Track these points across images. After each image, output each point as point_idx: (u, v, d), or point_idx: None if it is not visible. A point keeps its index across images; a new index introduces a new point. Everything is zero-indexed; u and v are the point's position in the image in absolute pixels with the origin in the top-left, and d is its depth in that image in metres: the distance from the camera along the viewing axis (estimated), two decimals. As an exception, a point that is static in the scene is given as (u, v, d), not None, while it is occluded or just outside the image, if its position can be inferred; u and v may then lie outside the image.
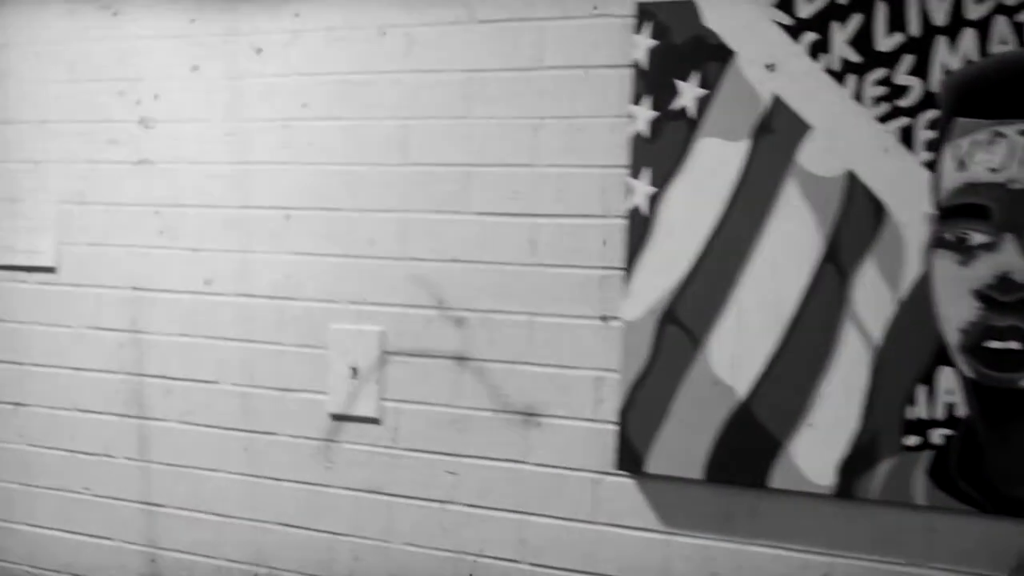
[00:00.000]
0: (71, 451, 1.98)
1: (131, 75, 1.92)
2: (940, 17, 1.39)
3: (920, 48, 1.40)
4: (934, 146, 1.39)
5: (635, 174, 1.55)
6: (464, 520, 1.68)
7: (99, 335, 1.96)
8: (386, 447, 1.73)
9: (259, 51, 1.82)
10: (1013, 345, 1.35)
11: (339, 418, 1.77)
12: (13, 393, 2.03)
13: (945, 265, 1.39)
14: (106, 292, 1.95)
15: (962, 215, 1.38)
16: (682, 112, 1.52)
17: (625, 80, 1.56)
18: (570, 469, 1.62)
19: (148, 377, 1.91)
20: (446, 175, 1.69)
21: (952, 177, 1.38)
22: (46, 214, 2.00)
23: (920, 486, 1.40)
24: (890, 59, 1.41)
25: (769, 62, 1.48)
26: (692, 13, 1.51)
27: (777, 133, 1.47)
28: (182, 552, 1.88)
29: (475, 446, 1.67)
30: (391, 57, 1.73)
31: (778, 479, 1.48)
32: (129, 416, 1.93)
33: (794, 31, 1.46)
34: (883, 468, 1.42)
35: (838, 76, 1.44)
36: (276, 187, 1.81)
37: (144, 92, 1.91)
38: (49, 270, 2.00)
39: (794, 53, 1.46)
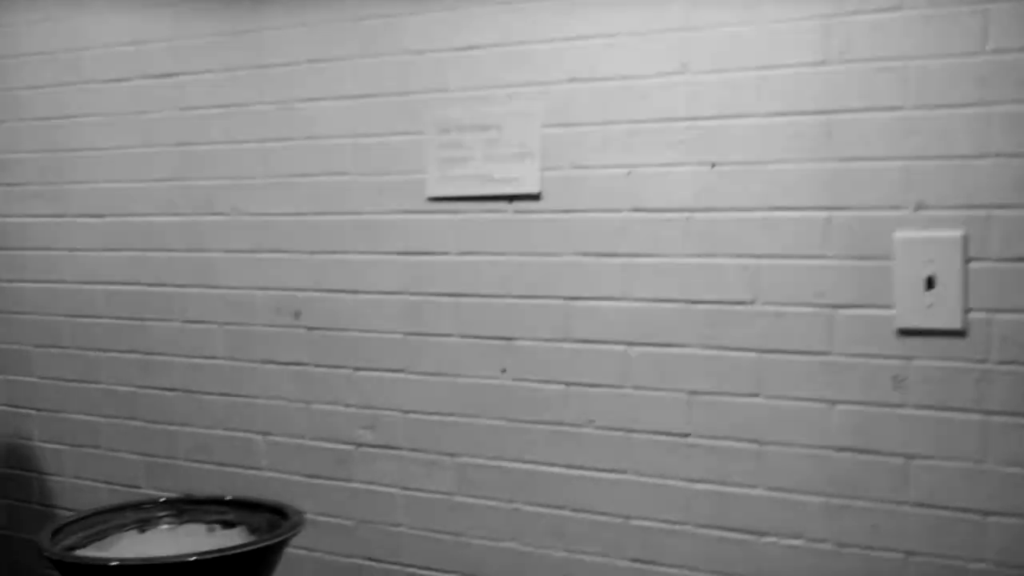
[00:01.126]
0: (568, 383, 1.91)
1: None
2: None
3: None
4: None
5: None
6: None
7: (594, 262, 1.86)
8: (976, 361, 1.59)
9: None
10: None
11: (910, 332, 1.63)
12: (500, 328, 1.97)
13: None
14: (596, 216, 1.85)
15: None
16: None
17: None
18: None
19: (665, 303, 1.81)
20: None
21: None
22: (529, 139, 1.89)
23: None
24: None
25: None
26: None
27: None
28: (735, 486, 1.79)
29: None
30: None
31: None
32: (637, 344, 1.84)
33: None
34: None
35: None
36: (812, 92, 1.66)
37: None
38: (533, 197, 1.91)
39: None
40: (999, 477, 1.59)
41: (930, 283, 1.61)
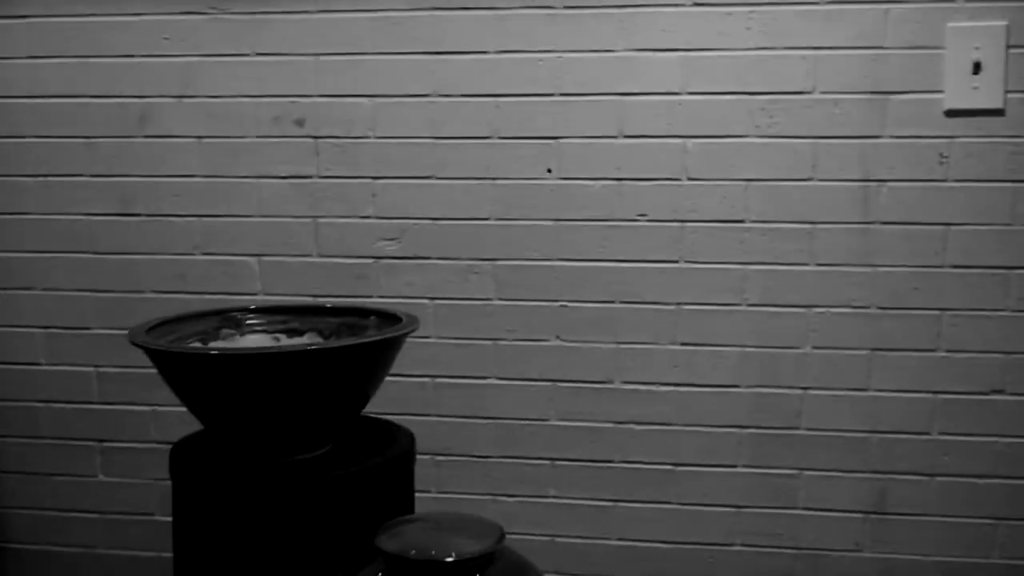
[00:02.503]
0: (621, 179, 1.96)
1: None
2: None
3: None
4: None
5: None
6: (1089, 196, 1.84)
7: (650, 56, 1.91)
8: (1011, 137, 1.84)
9: None
10: None
11: (956, 113, 1.85)
12: (546, 129, 1.96)
13: None
14: (654, 11, 1.90)
15: None
16: None
17: None
18: None
19: (723, 95, 1.90)
20: None
21: None
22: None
23: None
24: None
25: None
26: None
27: None
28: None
29: (1108, 127, 1.81)
30: None
31: None
32: (694, 136, 1.92)
33: None
34: None
35: None
36: None
37: None
38: (586, -8, 1.91)
39: None
40: None
41: (977, 68, 1.82)
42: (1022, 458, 1.91)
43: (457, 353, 2.04)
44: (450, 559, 1.20)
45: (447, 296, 2.03)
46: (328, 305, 1.76)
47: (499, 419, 2.03)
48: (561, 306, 2.00)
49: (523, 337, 2.01)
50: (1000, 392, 1.90)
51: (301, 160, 2.03)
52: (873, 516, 1.96)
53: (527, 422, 2.03)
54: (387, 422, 1.65)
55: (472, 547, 1.22)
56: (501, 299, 2.01)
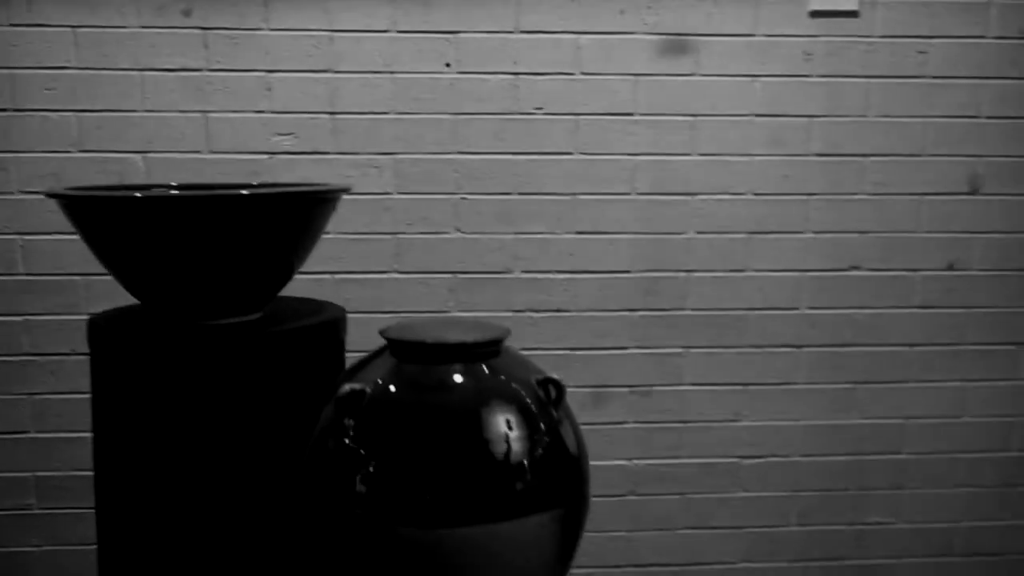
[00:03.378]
0: (517, 73, 2.03)
1: None
2: None
3: None
4: None
5: None
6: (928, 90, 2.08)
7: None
8: (863, 36, 2.05)
9: None
10: None
11: (818, 14, 2.04)
12: (444, 23, 2.00)
13: None
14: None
15: None
16: None
17: None
18: None
19: (615, -9, 2.00)
20: None
21: None
22: None
23: None
24: None
25: None
26: None
27: None
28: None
29: (942, 27, 2.05)
30: None
31: None
32: (586, 33, 2.01)
33: None
34: None
35: None
36: None
37: None
38: None
39: None
40: (879, 126, 2.08)
41: (837, -28, 2.02)
42: (878, 327, 2.14)
43: (358, 248, 2.04)
44: (463, 341, 1.23)
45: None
46: (247, 185, 1.71)
47: (400, 312, 2.05)
48: (461, 199, 2.04)
49: (423, 231, 2.04)
50: (857, 268, 2.11)
51: (190, 53, 1.96)
52: (751, 387, 2.14)
53: (429, 314, 2.06)
54: (313, 300, 1.64)
55: (480, 334, 1.26)
56: (400, 193, 2.03)
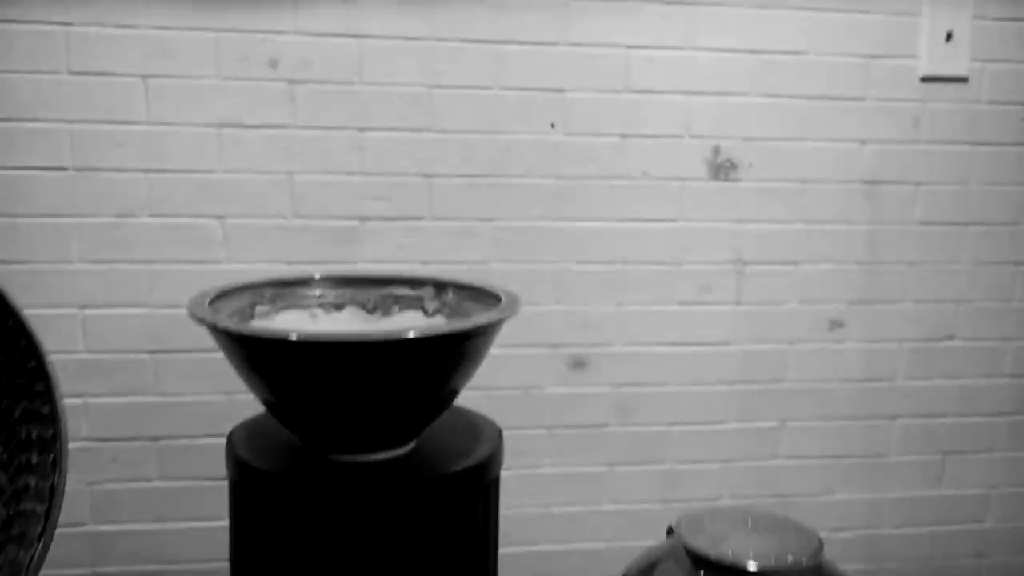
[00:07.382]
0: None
1: None
2: None
3: None
4: None
5: None
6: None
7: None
8: (971, 102, 1.99)
9: None
10: None
11: (928, 79, 1.97)
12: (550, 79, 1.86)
13: None
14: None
15: None
16: None
17: None
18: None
19: (726, 52, 1.90)
20: None
21: None
22: None
23: None
24: None
25: None
26: None
27: None
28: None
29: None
30: None
31: None
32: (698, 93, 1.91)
33: None
34: None
35: None
36: None
37: None
38: None
39: None
40: (980, 195, 2.03)
41: (949, 36, 1.95)
42: (967, 397, 2.09)
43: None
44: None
45: (442, 260, 1.87)
46: (366, 275, 1.55)
47: (508, 388, 1.91)
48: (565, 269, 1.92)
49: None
50: (951, 338, 2.07)
51: (276, 108, 1.77)
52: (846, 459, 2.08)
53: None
54: (466, 414, 1.50)
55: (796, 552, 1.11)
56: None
